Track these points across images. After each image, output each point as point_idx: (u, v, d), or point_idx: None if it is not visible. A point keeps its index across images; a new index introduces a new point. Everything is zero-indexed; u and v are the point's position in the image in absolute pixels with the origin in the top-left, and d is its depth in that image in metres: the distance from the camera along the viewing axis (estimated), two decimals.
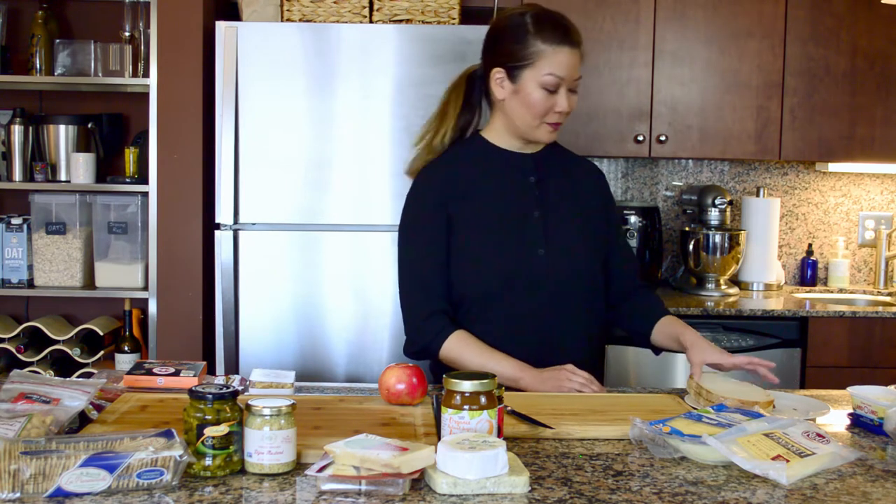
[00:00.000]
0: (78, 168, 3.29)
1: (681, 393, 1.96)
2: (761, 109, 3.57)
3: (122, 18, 3.37)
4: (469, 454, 1.32)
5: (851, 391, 1.76)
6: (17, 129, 3.32)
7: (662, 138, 3.55)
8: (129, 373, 1.88)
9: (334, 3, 3.15)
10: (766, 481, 1.41)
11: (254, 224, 3.06)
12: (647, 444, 1.54)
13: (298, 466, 1.42)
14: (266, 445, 1.37)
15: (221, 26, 3.00)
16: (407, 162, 2.21)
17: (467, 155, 2.13)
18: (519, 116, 2.04)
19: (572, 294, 2.06)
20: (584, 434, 1.64)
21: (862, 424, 1.74)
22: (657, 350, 2.19)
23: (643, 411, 1.74)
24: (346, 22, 3.14)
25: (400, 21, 3.17)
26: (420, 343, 2.07)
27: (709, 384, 1.82)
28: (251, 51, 3.00)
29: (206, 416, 1.36)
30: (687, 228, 3.66)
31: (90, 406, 1.61)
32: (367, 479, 1.31)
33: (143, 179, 3.29)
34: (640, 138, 3.55)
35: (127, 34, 3.37)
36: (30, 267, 3.38)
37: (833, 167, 3.80)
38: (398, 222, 3.02)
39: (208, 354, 3.16)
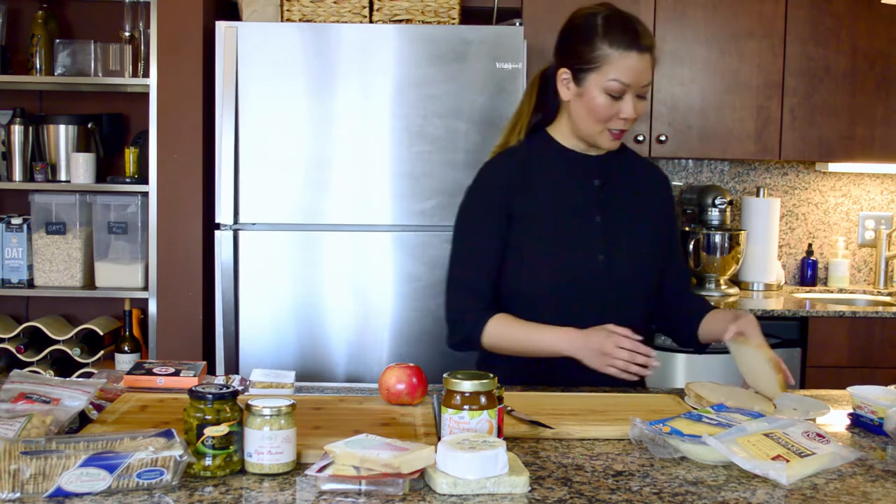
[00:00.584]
0: (78, 168, 3.29)
1: (681, 393, 1.96)
2: (761, 109, 3.57)
3: (122, 18, 3.37)
4: (469, 454, 1.32)
5: (851, 391, 1.76)
6: (17, 129, 3.32)
7: (662, 138, 3.55)
8: (129, 373, 1.88)
9: (334, 3, 3.15)
10: (766, 481, 1.41)
11: (254, 224, 3.06)
12: (647, 444, 1.54)
13: (298, 466, 1.41)
14: (266, 445, 1.37)
15: (221, 26, 3.00)
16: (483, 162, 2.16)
17: (532, 151, 2.08)
18: (582, 120, 1.99)
19: (627, 303, 2.01)
20: (584, 434, 1.64)
21: (862, 424, 1.74)
22: (701, 348, 2.14)
23: (643, 411, 1.74)
24: (346, 22, 3.14)
25: (400, 21, 3.17)
26: (460, 335, 2.04)
27: (702, 391, 1.81)
28: (251, 51, 3.00)
29: (206, 416, 1.36)
30: (687, 228, 3.66)
31: (90, 406, 1.61)
32: (367, 479, 1.31)
33: (143, 179, 3.29)
34: (640, 138, 3.55)
35: (127, 34, 3.37)
36: (30, 267, 3.38)
37: (833, 167, 3.80)
38: (398, 222, 3.06)
39: (208, 354, 3.16)
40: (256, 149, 3.03)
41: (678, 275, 2.16)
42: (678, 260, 2.19)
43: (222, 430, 1.36)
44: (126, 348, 3.24)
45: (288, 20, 3.15)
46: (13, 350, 3.28)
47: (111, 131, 3.53)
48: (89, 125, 3.43)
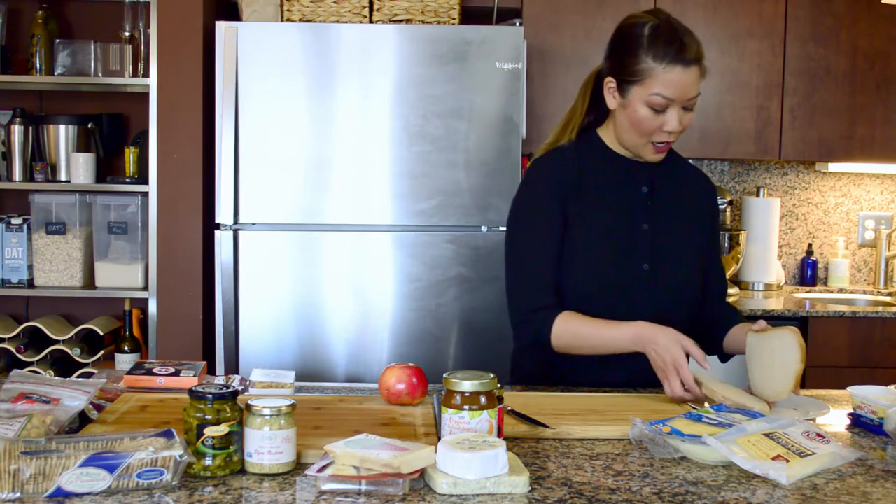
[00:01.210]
0: (78, 168, 3.29)
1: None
2: (761, 109, 3.57)
3: (122, 18, 3.37)
4: (469, 454, 1.32)
5: (851, 391, 1.76)
6: (17, 129, 3.32)
7: None
8: (129, 373, 1.88)
9: (334, 3, 3.15)
10: (766, 481, 1.41)
11: (254, 224, 3.06)
12: (647, 444, 1.54)
13: (298, 466, 1.41)
14: (266, 445, 1.37)
15: (221, 26, 3.00)
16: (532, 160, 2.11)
17: (583, 152, 2.04)
18: (625, 131, 1.96)
19: (670, 313, 1.98)
20: (584, 434, 1.64)
21: (862, 424, 1.74)
22: (725, 357, 2.11)
23: (643, 411, 1.74)
24: (346, 22, 3.14)
25: (400, 21, 3.17)
26: (527, 337, 2.00)
27: (712, 384, 1.80)
28: (251, 51, 3.00)
29: (206, 416, 1.36)
30: None
31: (90, 406, 1.61)
32: (367, 479, 1.31)
33: (143, 179, 3.30)
34: None
35: (127, 34, 3.37)
36: (30, 267, 3.38)
37: (833, 167, 3.80)
38: (398, 222, 3.06)
39: (208, 354, 3.16)
40: (256, 149, 3.03)
41: (716, 283, 2.14)
42: (718, 266, 2.17)
43: (222, 430, 1.36)
44: (126, 348, 3.24)
45: (288, 20, 3.15)
46: (13, 350, 3.28)
47: (111, 131, 3.53)
48: (89, 125, 3.43)
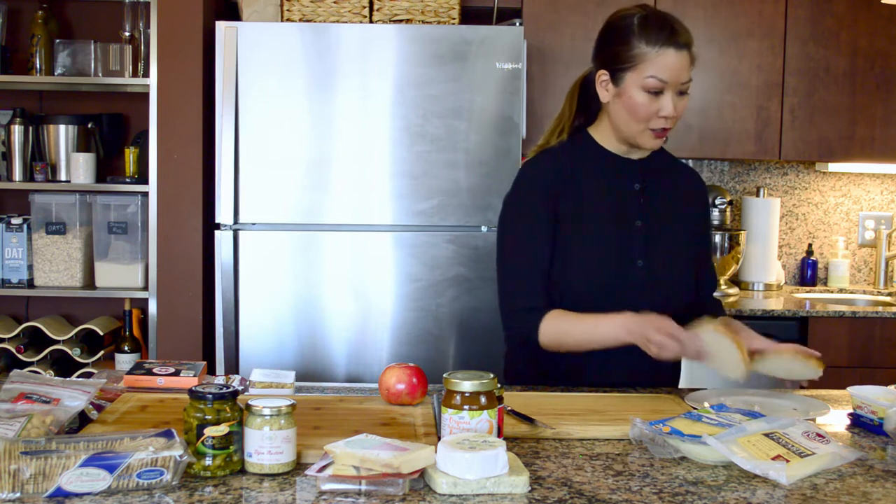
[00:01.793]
0: (78, 168, 3.30)
1: (680, 393, 1.96)
2: (761, 109, 3.57)
3: (122, 18, 3.37)
4: (469, 454, 1.32)
5: (851, 391, 1.76)
6: (17, 129, 3.32)
7: None
8: (129, 373, 1.88)
9: (334, 3, 3.15)
10: (766, 481, 1.41)
11: (254, 224, 3.06)
12: (647, 444, 1.54)
13: (298, 466, 1.41)
14: (266, 445, 1.37)
15: (221, 26, 3.00)
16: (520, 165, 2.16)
17: (574, 151, 2.06)
18: (622, 120, 1.97)
19: (666, 308, 1.97)
20: (584, 434, 1.64)
21: (862, 424, 1.74)
22: None
23: (643, 411, 1.74)
24: (346, 22, 3.14)
25: (400, 21, 3.17)
26: (516, 337, 2.04)
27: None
28: (251, 51, 3.00)
29: (206, 416, 1.36)
30: None
31: (90, 406, 1.61)
32: (367, 479, 1.31)
33: (143, 179, 3.30)
34: None
35: (127, 34, 3.37)
36: (30, 267, 3.38)
37: (833, 167, 3.80)
38: (398, 222, 3.05)
39: (208, 354, 3.16)
40: (256, 149, 3.03)
41: (706, 280, 2.15)
42: (710, 265, 2.18)
43: (222, 430, 1.36)
44: (126, 348, 3.24)
45: (288, 20, 3.15)
46: (13, 350, 3.28)
47: (111, 131, 3.53)
48: (89, 125, 3.43)
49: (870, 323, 3.31)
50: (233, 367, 3.04)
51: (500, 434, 1.49)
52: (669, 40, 1.90)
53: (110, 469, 1.28)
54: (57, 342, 3.31)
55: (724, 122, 3.57)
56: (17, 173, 3.34)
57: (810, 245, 3.91)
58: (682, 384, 2.23)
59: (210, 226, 3.13)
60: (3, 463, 1.26)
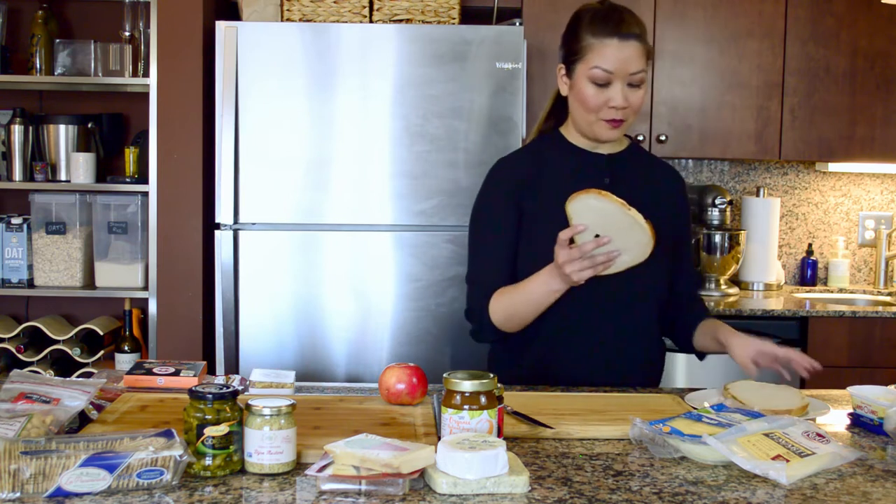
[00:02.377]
0: (78, 168, 3.29)
1: (680, 393, 1.96)
2: (761, 109, 3.57)
3: (122, 18, 3.37)
4: (469, 454, 1.32)
5: (851, 391, 1.76)
6: (17, 129, 3.32)
7: (662, 138, 3.55)
8: (129, 373, 1.88)
9: (334, 2, 3.15)
10: (766, 481, 1.41)
11: (254, 224, 3.06)
12: (647, 444, 1.54)
13: (298, 466, 1.41)
14: (266, 445, 1.37)
15: (221, 26, 3.00)
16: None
17: (542, 150, 2.09)
18: (576, 112, 2.02)
19: (637, 303, 2.00)
20: (584, 434, 1.64)
21: (862, 424, 1.74)
22: (701, 355, 2.15)
23: (643, 411, 1.74)
24: (346, 22, 3.14)
25: (400, 21, 3.17)
26: (475, 325, 2.06)
27: (742, 393, 1.78)
28: (251, 51, 3.00)
29: (206, 416, 1.36)
30: None
31: (90, 406, 1.61)
32: (367, 479, 1.31)
33: (143, 179, 3.30)
34: (641, 138, 3.55)
35: (127, 34, 3.37)
36: (30, 267, 3.38)
37: (833, 167, 3.80)
38: (398, 222, 3.05)
39: (208, 354, 3.16)
40: (256, 149, 3.03)
41: (686, 277, 2.15)
42: (688, 262, 2.18)
43: (222, 430, 1.36)
44: (126, 348, 3.24)
45: (288, 20, 3.15)
46: (13, 350, 3.28)
47: (111, 131, 3.53)
48: (89, 125, 3.43)
49: (870, 323, 3.31)
50: (233, 367, 3.04)
51: (500, 434, 1.49)
52: (614, 31, 1.94)
53: (110, 469, 1.28)
54: (57, 342, 3.31)
55: (724, 122, 3.57)
56: (17, 173, 3.34)
57: (810, 245, 3.91)
58: (682, 384, 2.24)
59: (210, 226, 3.13)
60: (3, 463, 1.26)
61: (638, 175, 2.09)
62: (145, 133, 3.29)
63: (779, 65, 3.56)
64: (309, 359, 3.07)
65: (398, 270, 3.07)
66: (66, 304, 3.56)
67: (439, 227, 3.06)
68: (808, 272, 3.90)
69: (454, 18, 3.19)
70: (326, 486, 1.32)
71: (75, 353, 3.29)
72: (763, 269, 3.73)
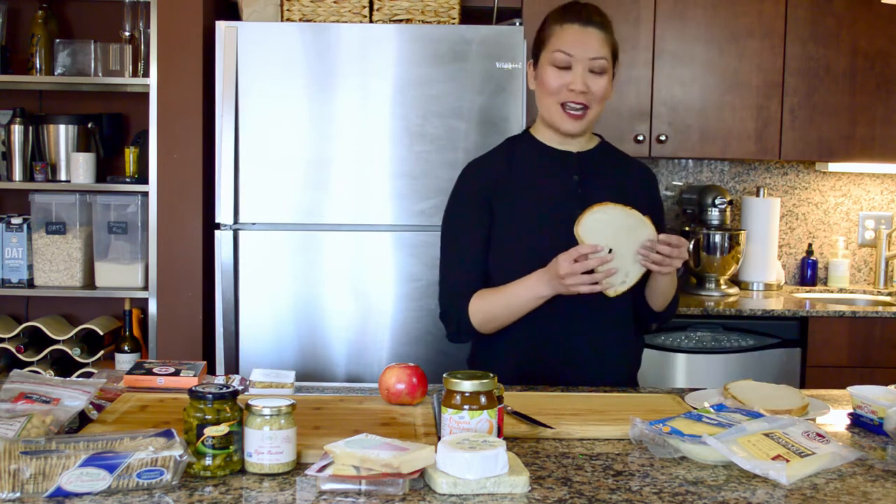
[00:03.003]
0: (78, 168, 3.29)
1: (680, 393, 1.96)
2: (761, 109, 3.57)
3: (122, 18, 3.37)
4: (469, 454, 1.32)
5: (851, 391, 1.76)
6: (17, 129, 3.32)
7: (662, 138, 3.55)
8: (129, 373, 1.88)
9: (334, 2, 3.15)
10: (766, 481, 1.41)
11: (254, 224, 3.06)
12: (647, 444, 1.54)
13: (298, 466, 1.42)
14: (266, 445, 1.37)
15: (221, 26, 3.00)
16: None
17: (513, 150, 2.13)
18: (541, 101, 2.07)
19: (610, 299, 1.99)
20: (584, 434, 1.64)
21: (862, 424, 1.74)
22: (656, 315, 2.14)
23: (643, 411, 1.74)
24: (346, 22, 3.14)
25: (400, 21, 3.17)
26: (452, 326, 2.08)
27: (742, 393, 1.79)
28: (251, 51, 3.00)
29: (206, 416, 1.36)
30: (687, 228, 3.66)
31: (90, 406, 1.61)
32: (367, 479, 1.31)
33: (143, 179, 3.29)
34: (641, 138, 3.55)
35: (127, 34, 3.37)
36: (30, 267, 3.38)
37: (833, 167, 3.79)
38: (398, 222, 3.05)
39: (208, 354, 3.16)
40: (256, 149, 3.03)
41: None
42: None
43: (222, 430, 1.36)
44: (126, 348, 3.24)
45: (288, 20, 3.15)
46: (13, 350, 3.28)
47: (111, 131, 3.53)
48: (89, 125, 3.43)
49: (870, 323, 3.31)
50: (233, 367, 3.03)
51: (500, 434, 1.49)
52: (574, 17, 2.01)
53: (110, 469, 1.28)
54: (57, 342, 3.31)
55: (724, 122, 3.57)
56: (17, 173, 3.34)
57: (810, 245, 3.91)
58: (682, 384, 2.24)
59: (210, 226, 3.13)
60: (3, 463, 1.26)
61: (608, 172, 2.11)
62: (145, 133, 3.29)
63: (779, 65, 3.56)
64: (309, 359, 3.07)
65: (398, 270, 3.07)
66: (66, 304, 3.55)
67: (439, 227, 3.04)
68: (808, 272, 3.90)
69: (454, 18, 3.19)
70: (326, 486, 1.32)
71: (75, 353, 3.29)
72: (763, 269, 3.73)
